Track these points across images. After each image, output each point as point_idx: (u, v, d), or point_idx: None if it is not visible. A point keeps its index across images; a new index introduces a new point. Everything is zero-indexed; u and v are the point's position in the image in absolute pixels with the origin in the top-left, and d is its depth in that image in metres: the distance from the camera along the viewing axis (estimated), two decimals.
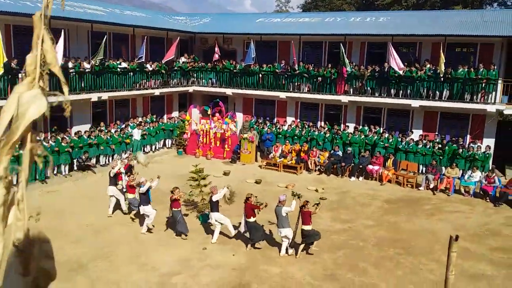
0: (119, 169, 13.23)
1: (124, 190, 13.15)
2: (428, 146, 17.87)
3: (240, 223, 11.83)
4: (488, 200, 15.14)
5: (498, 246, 11.75)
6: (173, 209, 11.68)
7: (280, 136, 20.76)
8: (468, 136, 18.66)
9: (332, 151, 18.85)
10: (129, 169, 13.54)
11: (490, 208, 14.67)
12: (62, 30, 16.53)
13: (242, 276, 9.95)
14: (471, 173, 16.17)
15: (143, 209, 11.79)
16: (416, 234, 12.48)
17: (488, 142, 17.85)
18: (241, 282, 9.69)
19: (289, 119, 22.14)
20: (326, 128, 20.26)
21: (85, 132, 18.14)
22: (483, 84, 17.64)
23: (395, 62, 18.16)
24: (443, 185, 16.11)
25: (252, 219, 10.99)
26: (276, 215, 10.75)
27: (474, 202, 15.21)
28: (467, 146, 17.63)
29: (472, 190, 15.75)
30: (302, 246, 10.83)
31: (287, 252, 10.90)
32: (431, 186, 16.35)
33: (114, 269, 10.17)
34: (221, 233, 11.77)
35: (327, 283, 9.73)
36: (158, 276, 9.91)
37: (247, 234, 11.30)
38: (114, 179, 13.21)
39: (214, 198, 11.35)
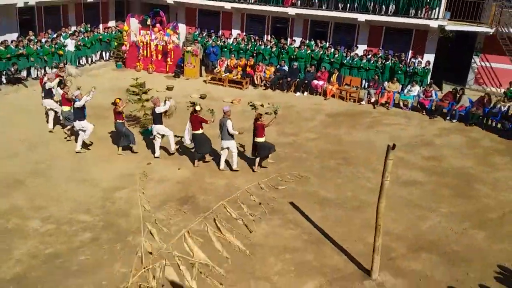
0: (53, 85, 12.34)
1: (59, 103, 12.42)
2: (372, 61, 18.08)
3: (182, 136, 11.66)
4: (424, 113, 15.87)
5: (430, 155, 12.53)
6: (117, 121, 11.17)
7: (225, 49, 20.07)
8: (410, 52, 19.01)
9: (278, 66, 18.63)
10: (60, 81, 12.62)
11: (426, 121, 15.43)
12: None
13: (187, 189, 10.01)
14: (410, 87, 16.72)
15: (79, 124, 11.07)
16: (356, 145, 12.98)
17: (428, 58, 18.31)
18: (187, 195, 9.76)
19: (235, 32, 21.33)
20: (273, 42, 19.77)
21: (12, 41, 16.56)
22: None
23: None
24: (383, 99, 16.60)
25: (199, 131, 10.80)
26: (220, 126, 10.62)
27: (411, 115, 15.90)
28: (408, 61, 18.02)
29: (410, 104, 16.38)
30: (258, 159, 10.92)
31: (229, 167, 10.93)
32: (372, 100, 16.81)
33: (53, 185, 9.85)
34: (162, 148, 11.57)
35: (270, 192, 10.00)
36: (101, 191, 9.72)
37: (190, 146, 11.17)
38: (50, 92, 12.36)
39: (157, 110, 10.93)
